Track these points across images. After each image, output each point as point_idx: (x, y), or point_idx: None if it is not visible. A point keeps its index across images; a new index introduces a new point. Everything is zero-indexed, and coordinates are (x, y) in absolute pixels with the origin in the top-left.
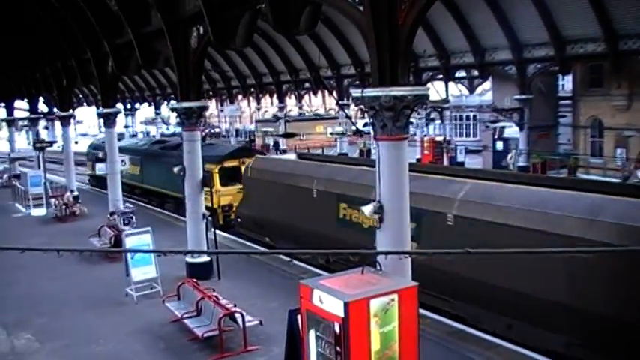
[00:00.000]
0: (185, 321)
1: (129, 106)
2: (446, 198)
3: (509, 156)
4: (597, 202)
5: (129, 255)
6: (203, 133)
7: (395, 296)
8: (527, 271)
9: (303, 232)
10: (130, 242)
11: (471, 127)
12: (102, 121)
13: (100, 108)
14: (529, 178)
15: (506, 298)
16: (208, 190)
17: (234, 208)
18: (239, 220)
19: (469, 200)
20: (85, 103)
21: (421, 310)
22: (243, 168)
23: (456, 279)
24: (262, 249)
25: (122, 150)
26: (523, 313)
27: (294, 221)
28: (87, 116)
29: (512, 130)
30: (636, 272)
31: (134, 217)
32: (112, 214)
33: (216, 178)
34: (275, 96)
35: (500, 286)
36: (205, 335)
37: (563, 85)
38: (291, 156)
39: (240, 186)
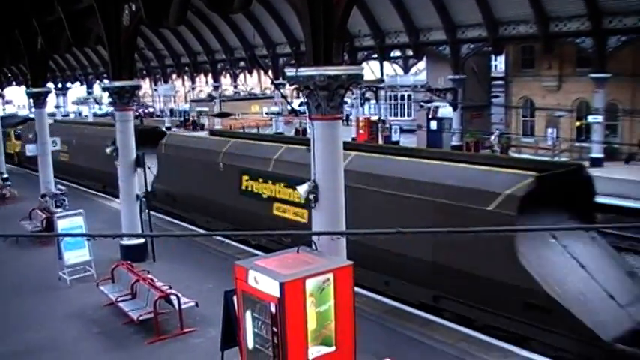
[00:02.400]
0: (120, 304)
1: (60, 85)
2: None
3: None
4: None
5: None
6: (136, 113)
7: (330, 275)
8: None
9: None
10: (62, 225)
11: (406, 106)
12: (32, 100)
13: (30, 87)
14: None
15: None
16: (10, 141)
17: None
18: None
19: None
20: (14, 82)
21: (357, 289)
22: None
23: None
24: (200, 231)
25: None
26: None
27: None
28: (16, 96)
29: (446, 110)
30: None
31: (66, 200)
32: (43, 196)
33: (13, 136)
34: (210, 75)
35: None
36: (141, 318)
37: (495, 65)
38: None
39: None
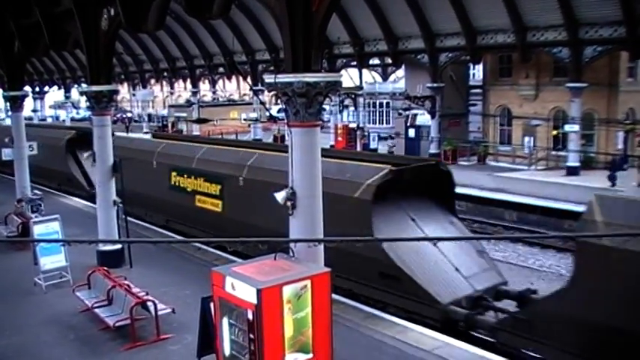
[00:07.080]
0: (96, 310)
1: (37, 89)
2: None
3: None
4: None
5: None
6: (114, 118)
7: (308, 282)
8: None
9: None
10: (38, 230)
11: (384, 114)
12: (8, 104)
13: (7, 90)
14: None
15: None
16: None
17: None
18: None
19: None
20: None
21: (334, 296)
22: None
23: None
24: (177, 237)
25: None
26: None
27: None
28: None
29: (424, 118)
30: None
31: (42, 204)
32: (19, 201)
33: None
34: (188, 81)
35: None
36: (117, 325)
37: (473, 74)
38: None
39: None
